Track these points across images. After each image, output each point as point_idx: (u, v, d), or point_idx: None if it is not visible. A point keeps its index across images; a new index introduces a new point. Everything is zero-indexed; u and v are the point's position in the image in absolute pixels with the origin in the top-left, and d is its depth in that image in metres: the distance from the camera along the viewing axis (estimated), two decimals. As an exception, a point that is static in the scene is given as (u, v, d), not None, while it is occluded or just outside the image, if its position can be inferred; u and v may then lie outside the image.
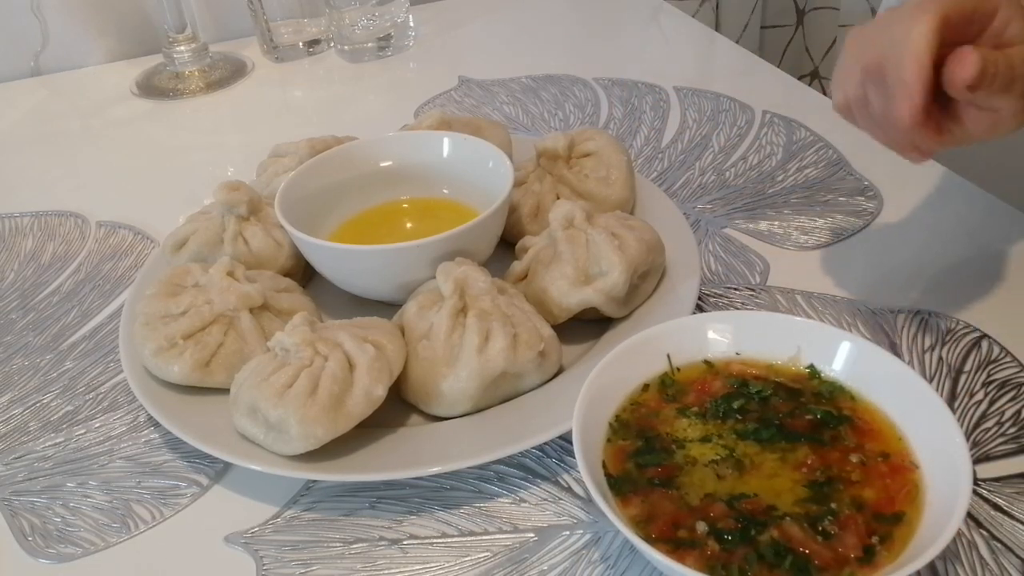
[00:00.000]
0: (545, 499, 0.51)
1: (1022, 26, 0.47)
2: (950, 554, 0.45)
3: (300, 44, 1.11)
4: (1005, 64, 0.46)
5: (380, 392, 0.50)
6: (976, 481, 0.49)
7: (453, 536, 0.49)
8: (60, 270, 0.75)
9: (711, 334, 0.52)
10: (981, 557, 0.45)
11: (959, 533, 0.46)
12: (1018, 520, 0.47)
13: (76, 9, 1.11)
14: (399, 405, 0.54)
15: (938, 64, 0.46)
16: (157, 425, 0.56)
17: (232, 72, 1.08)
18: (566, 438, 0.49)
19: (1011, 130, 0.49)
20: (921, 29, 0.45)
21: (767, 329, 0.51)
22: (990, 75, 0.45)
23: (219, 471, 0.54)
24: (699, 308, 0.62)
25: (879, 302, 0.62)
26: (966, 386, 0.55)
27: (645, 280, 0.59)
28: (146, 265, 0.68)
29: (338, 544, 0.49)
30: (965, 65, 0.45)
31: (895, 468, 0.44)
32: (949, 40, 0.46)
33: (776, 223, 0.72)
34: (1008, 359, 0.57)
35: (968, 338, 0.58)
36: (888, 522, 0.42)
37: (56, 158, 0.94)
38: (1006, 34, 0.47)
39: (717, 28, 1.53)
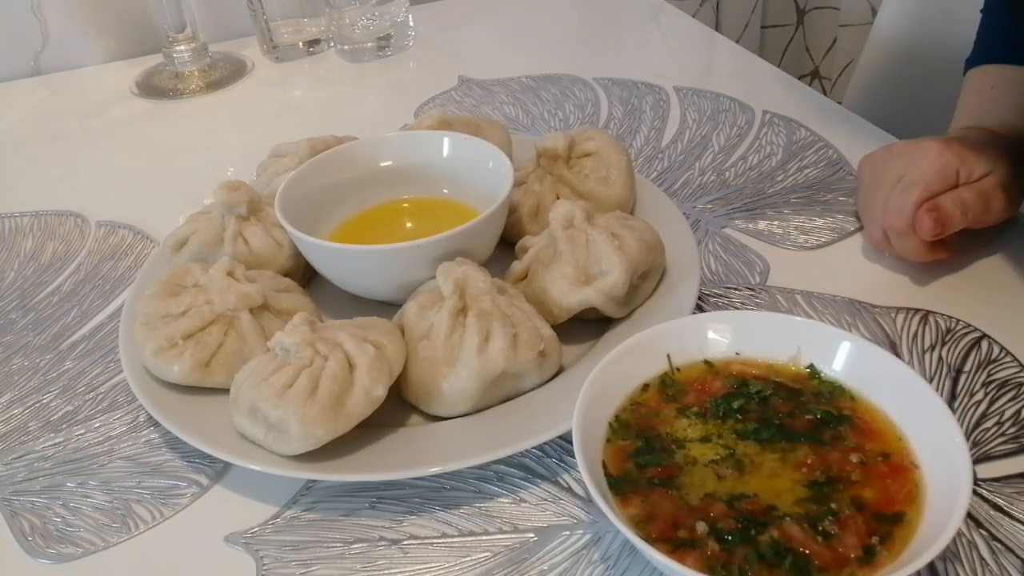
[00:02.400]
0: (545, 499, 0.51)
1: (984, 166, 0.62)
2: (950, 554, 0.45)
3: (300, 44, 1.11)
4: (975, 198, 0.61)
5: (380, 392, 0.50)
6: (976, 481, 0.49)
7: (453, 536, 0.49)
8: (60, 270, 0.75)
9: (711, 334, 0.52)
10: (981, 557, 0.45)
11: (959, 533, 0.46)
12: (1018, 520, 0.47)
13: (76, 9, 1.11)
14: (399, 405, 0.54)
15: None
16: (157, 425, 0.56)
17: (232, 72, 1.08)
18: (566, 438, 0.49)
19: (1004, 219, 0.64)
20: (911, 202, 0.61)
21: (767, 329, 0.51)
22: (958, 217, 0.60)
23: (219, 471, 0.54)
24: (699, 308, 0.62)
25: (879, 302, 0.62)
26: (966, 386, 0.55)
27: (645, 280, 0.59)
28: (146, 265, 0.68)
29: (338, 544, 0.49)
30: (922, 227, 0.60)
31: (895, 468, 0.44)
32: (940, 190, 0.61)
33: (776, 223, 0.72)
34: (1008, 359, 0.57)
35: (968, 338, 0.58)
36: (888, 522, 0.42)
37: (56, 158, 0.94)
38: (974, 175, 0.62)
39: (717, 28, 1.54)
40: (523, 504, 0.50)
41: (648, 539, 0.41)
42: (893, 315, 0.61)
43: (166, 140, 0.96)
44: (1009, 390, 0.54)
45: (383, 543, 0.49)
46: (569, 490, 0.51)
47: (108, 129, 0.99)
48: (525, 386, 0.54)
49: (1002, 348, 0.57)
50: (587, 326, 0.59)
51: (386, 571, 0.47)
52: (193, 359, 0.54)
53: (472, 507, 0.51)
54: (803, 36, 1.66)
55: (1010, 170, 0.63)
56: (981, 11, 0.75)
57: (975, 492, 0.48)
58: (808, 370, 0.50)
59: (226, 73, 1.08)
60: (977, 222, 0.62)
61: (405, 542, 0.49)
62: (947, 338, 0.59)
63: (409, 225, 0.67)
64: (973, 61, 0.73)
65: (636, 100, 0.94)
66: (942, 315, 0.60)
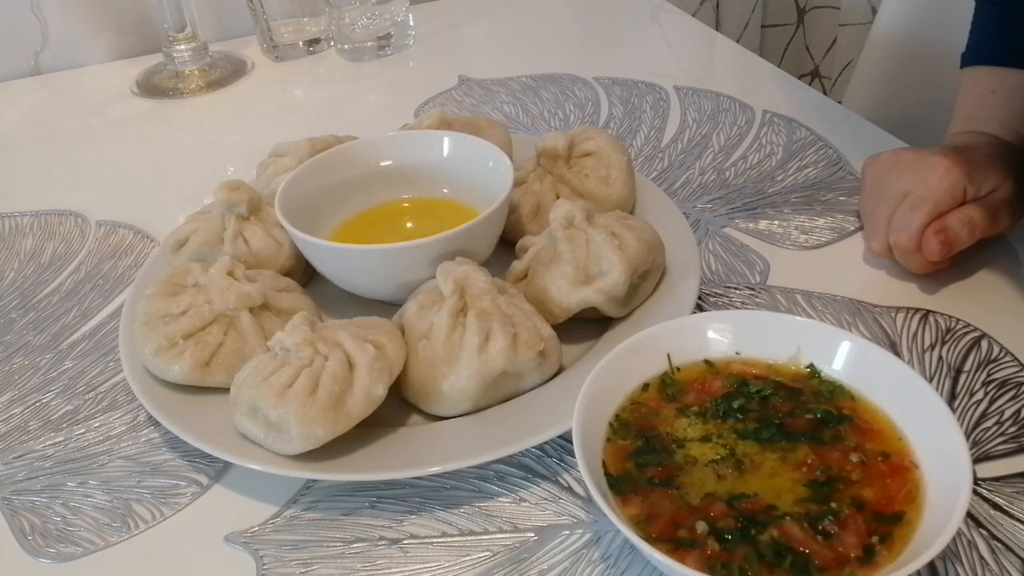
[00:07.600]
0: (545, 499, 0.51)
1: (992, 182, 0.61)
2: (950, 554, 0.45)
3: (300, 43, 1.11)
4: (982, 216, 0.60)
5: (380, 392, 0.50)
6: (976, 481, 0.49)
7: (453, 536, 0.49)
8: (60, 269, 0.75)
9: (711, 334, 0.52)
10: (981, 557, 0.45)
11: (959, 533, 0.46)
12: (1018, 520, 0.47)
13: (76, 8, 1.11)
14: (399, 405, 0.54)
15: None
16: (157, 424, 0.56)
17: (232, 71, 1.08)
18: (566, 437, 0.49)
19: (1009, 230, 0.64)
20: (919, 223, 0.60)
21: (767, 329, 0.51)
22: (965, 236, 0.60)
23: (219, 470, 0.54)
24: (699, 308, 0.62)
25: (879, 302, 0.62)
26: (966, 386, 0.55)
27: (645, 280, 0.59)
28: (146, 265, 0.68)
29: (338, 544, 0.49)
30: (929, 249, 0.59)
31: (895, 468, 0.44)
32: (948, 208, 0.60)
33: (776, 223, 0.72)
34: (1008, 359, 0.57)
35: (968, 337, 0.58)
36: (888, 522, 0.42)
37: (56, 158, 0.94)
38: (982, 192, 0.61)
39: (717, 27, 1.54)
40: (523, 503, 0.50)
41: (648, 539, 0.41)
42: (893, 315, 0.61)
43: (166, 140, 0.96)
44: (1009, 390, 0.54)
45: (383, 543, 0.49)
46: (569, 489, 0.51)
47: (108, 129, 0.99)
48: (525, 386, 0.54)
49: (1002, 348, 0.57)
50: (587, 326, 0.59)
51: (386, 571, 0.47)
52: (193, 359, 0.54)
53: (472, 506, 0.51)
54: (803, 36, 1.66)
55: (1017, 183, 0.62)
56: None
57: (975, 492, 0.48)
58: (808, 370, 0.50)
59: (226, 73, 1.08)
60: (983, 236, 0.61)
61: (405, 541, 0.49)
62: (947, 338, 0.59)
63: (409, 225, 0.67)
64: (969, 58, 0.72)
65: (636, 100, 0.94)
66: (942, 315, 0.60)
